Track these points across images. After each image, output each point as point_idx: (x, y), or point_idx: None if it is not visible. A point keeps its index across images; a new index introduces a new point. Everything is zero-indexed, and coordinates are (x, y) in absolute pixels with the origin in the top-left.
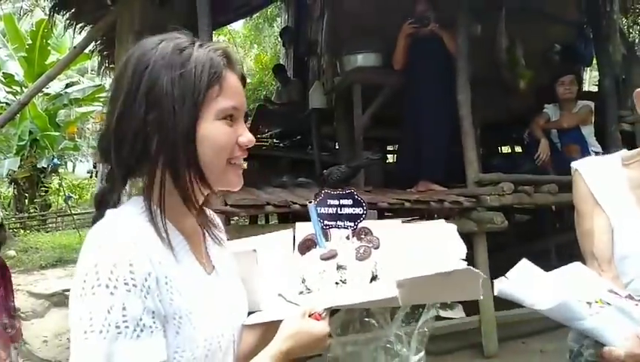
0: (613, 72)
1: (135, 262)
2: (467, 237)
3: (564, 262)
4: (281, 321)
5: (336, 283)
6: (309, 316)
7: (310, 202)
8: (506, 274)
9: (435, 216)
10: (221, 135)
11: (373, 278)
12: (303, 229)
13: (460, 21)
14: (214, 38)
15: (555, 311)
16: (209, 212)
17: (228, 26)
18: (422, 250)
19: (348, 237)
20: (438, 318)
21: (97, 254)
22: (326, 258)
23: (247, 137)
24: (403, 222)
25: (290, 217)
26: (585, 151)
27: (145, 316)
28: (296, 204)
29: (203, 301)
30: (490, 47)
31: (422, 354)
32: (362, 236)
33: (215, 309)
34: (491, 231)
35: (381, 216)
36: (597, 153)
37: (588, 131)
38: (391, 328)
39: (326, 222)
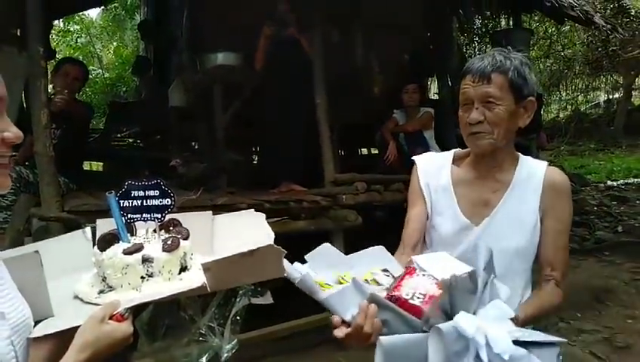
0: (450, 82)
1: None
2: (325, 234)
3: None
4: (78, 326)
5: (142, 277)
6: (111, 317)
7: (110, 193)
8: (306, 256)
9: (303, 215)
10: None
11: (183, 269)
12: (106, 226)
13: (316, 27)
14: (62, 26)
15: (301, 285)
16: None
17: (81, 13)
18: (232, 238)
19: (155, 230)
20: (300, 315)
21: None
22: (129, 252)
23: (13, 132)
24: (214, 213)
25: None
26: None
27: None
28: None
29: None
30: (347, 53)
31: (234, 342)
32: (171, 228)
33: None
34: (346, 228)
35: None
36: None
37: (429, 135)
38: (203, 320)
39: (130, 216)
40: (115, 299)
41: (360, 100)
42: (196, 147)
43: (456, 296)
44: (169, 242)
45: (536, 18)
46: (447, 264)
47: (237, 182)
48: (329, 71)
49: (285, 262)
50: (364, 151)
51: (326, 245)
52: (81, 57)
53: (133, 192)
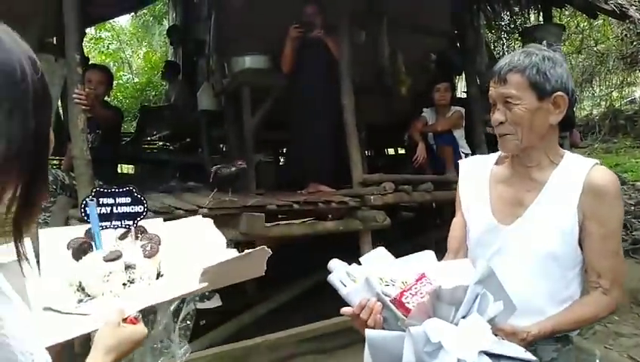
0: (479, 80)
1: None
2: (354, 235)
3: (441, 253)
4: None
5: (124, 284)
6: (124, 321)
7: (92, 200)
8: (361, 258)
9: (331, 216)
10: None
11: (158, 275)
12: (51, 236)
13: (342, 28)
14: (94, 33)
15: (330, 282)
16: None
17: (111, 21)
18: (190, 244)
19: (121, 237)
20: (328, 316)
21: None
22: (111, 259)
23: None
24: (165, 220)
25: None
26: (456, 153)
27: None
28: (179, 209)
29: None
30: (373, 54)
31: (186, 346)
32: (139, 234)
33: None
34: (375, 228)
35: (272, 218)
36: (467, 154)
37: (459, 134)
38: (157, 328)
39: (99, 223)
40: (113, 304)
41: (387, 100)
42: (225, 149)
43: (438, 305)
44: (149, 248)
45: (567, 12)
46: (454, 274)
47: (265, 183)
48: (356, 72)
49: (333, 261)
50: (392, 151)
51: (380, 249)
52: (111, 63)
53: (102, 199)
